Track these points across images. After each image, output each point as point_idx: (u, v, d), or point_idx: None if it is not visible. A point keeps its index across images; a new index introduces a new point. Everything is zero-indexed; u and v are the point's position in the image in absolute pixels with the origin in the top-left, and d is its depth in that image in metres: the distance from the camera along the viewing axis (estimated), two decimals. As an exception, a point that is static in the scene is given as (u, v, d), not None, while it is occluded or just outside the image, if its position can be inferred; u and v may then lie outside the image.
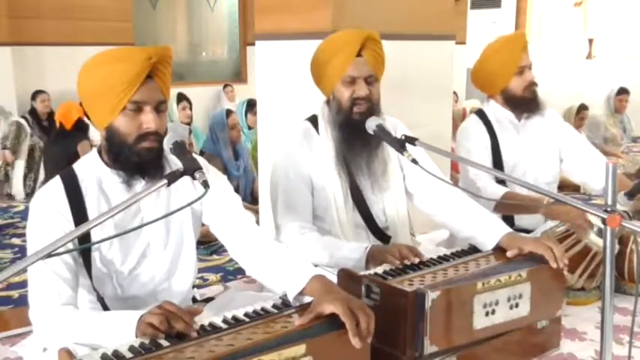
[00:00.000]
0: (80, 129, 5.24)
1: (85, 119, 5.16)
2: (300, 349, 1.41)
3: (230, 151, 4.67)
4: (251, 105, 6.09)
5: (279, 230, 2.25)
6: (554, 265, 1.92)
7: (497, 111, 2.83)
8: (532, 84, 2.74)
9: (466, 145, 2.80)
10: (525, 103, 2.76)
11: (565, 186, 4.74)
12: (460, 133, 2.87)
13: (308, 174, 2.26)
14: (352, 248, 2.14)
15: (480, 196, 2.24)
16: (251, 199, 4.62)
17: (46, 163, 5.44)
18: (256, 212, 3.58)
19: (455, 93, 6.06)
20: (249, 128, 6.10)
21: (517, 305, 1.87)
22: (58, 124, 5.29)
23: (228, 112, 4.78)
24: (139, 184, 1.75)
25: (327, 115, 2.27)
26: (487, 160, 2.76)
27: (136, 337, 1.47)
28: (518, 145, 2.81)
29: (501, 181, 2.73)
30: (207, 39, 9.21)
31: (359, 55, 2.16)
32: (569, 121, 6.62)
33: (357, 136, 2.18)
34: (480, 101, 5.85)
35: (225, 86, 8.46)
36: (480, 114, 2.86)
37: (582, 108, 6.31)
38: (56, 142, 5.23)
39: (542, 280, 1.92)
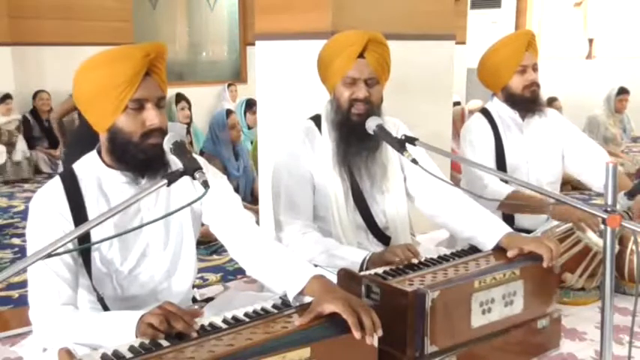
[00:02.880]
0: None
1: None
2: (305, 352, 1.40)
3: (230, 151, 4.67)
4: (250, 104, 6.10)
5: (280, 229, 2.25)
6: (545, 265, 1.92)
7: (500, 109, 2.82)
8: (533, 84, 2.72)
9: (470, 139, 2.79)
10: (524, 103, 2.74)
11: (567, 182, 4.74)
12: (465, 130, 2.86)
13: (310, 173, 2.26)
14: (353, 252, 2.14)
15: (482, 196, 2.23)
16: (251, 199, 4.62)
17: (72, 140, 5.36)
18: (256, 212, 3.58)
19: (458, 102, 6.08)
20: (249, 128, 6.10)
21: (511, 302, 1.88)
22: None
23: (229, 112, 4.78)
24: (147, 182, 1.74)
25: (329, 114, 2.27)
26: (490, 156, 2.75)
27: (136, 337, 1.47)
28: (522, 144, 2.80)
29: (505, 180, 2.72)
30: (207, 39, 9.19)
31: (361, 56, 2.15)
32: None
33: (355, 136, 2.17)
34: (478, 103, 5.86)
35: (229, 85, 8.47)
36: (485, 112, 2.85)
37: (552, 100, 6.43)
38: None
39: (534, 278, 1.93)
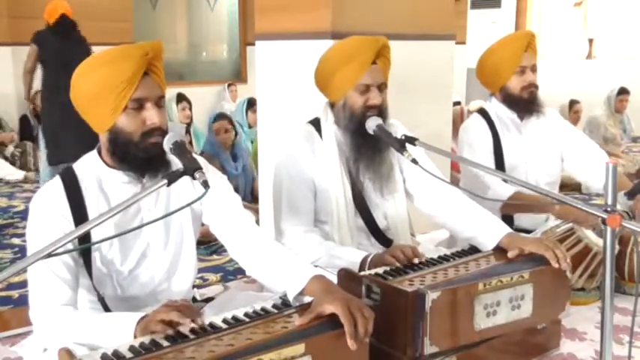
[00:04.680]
0: (63, 25, 4.99)
1: (70, 17, 4.99)
2: (299, 348, 1.41)
3: (227, 153, 4.66)
4: (251, 103, 6.10)
5: (281, 234, 2.24)
6: (555, 265, 1.91)
7: (499, 110, 2.81)
8: (531, 86, 2.71)
9: (469, 140, 2.78)
10: (522, 104, 2.73)
11: (565, 185, 4.74)
12: (463, 130, 2.86)
13: (311, 177, 2.25)
14: (351, 253, 2.14)
15: (484, 197, 2.23)
16: (251, 198, 4.62)
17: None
18: (256, 212, 3.58)
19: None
20: (250, 127, 6.10)
21: (519, 306, 1.86)
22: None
23: (218, 117, 4.74)
24: (147, 182, 1.74)
25: (331, 119, 2.25)
26: (489, 157, 2.75)
27: (135, 337, 1.47)
28: (520, 145, 2.80)
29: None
30: (207, 39, 9.19)
31: (373, 62, 2.15)
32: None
33: (370, 142, 2.17)
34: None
35: (229, 85, 8.47)
36: (482, 113, 2.85)
37: (574, 102, 6.46)
38: (39, 40, 5.03)
39: (544, 282, 1.92)
